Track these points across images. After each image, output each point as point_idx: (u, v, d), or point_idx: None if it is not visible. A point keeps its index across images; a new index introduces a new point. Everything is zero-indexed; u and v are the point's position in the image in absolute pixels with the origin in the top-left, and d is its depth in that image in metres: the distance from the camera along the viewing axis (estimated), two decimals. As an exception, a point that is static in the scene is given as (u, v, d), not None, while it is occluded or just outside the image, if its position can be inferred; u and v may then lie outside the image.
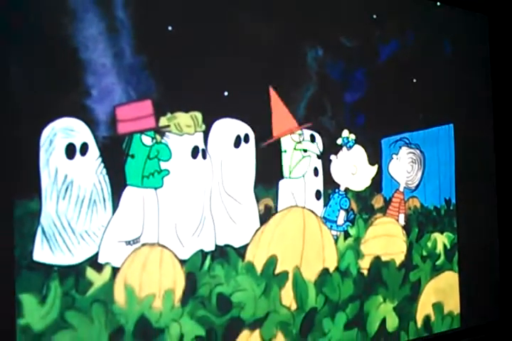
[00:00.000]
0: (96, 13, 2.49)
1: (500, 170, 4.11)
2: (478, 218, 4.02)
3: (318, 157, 3.20)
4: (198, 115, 2.76)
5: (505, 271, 4.11)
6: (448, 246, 3.83)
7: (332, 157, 3.26)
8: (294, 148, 3.10)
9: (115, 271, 2.51)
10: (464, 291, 3.90)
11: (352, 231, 3.33)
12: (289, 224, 3.09)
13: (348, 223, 3.30)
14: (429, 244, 3.72)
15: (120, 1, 2.56)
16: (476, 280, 3.98)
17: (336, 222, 3.25)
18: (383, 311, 3.47)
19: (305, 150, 3.11)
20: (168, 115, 2.67)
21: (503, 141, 4.11)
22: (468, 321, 3.92)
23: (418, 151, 3.67)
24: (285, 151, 3.06)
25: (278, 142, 3.05)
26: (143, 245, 2.59)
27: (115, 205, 2.52)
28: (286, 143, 3.08)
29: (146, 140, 2.61)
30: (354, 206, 3.34)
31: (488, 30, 4.13)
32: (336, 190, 3.27)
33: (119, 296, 2.51)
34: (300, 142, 3.12)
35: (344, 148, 3.30)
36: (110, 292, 2.49)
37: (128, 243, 2.56)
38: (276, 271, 3.01)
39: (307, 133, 3.16)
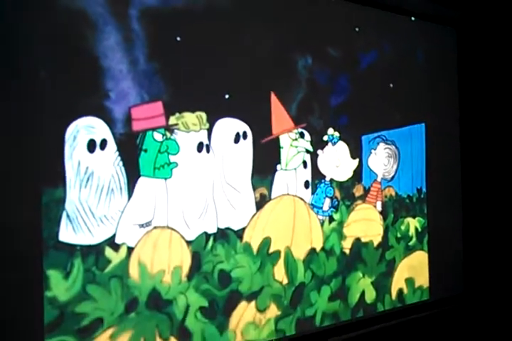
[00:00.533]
0: (114, 26, 2.48)
1: (465, 164, 4.11)
2: (445, 205, 4.02)
3: (307, 151, 3.20)
4: (203, 115, 2.75)
5: (468, 250, 4.11)
6: (419, 229, 3.83)
7: (319, 152, 3.25)
8: (291, 145, 3.09)
9: (130, 250, 2.51)
10: (433, 268, 3.91)
11: (336, 216, 3.32)
12: (282, 209, 3.09)
13: (332, 209, 3.30)
14: (403, 227, 3.72)
15: (135, 15, 2.54)
16: (443, 258, 3.98)
17: (322, 208, 3.25)
18: (362, 285, 3.47)
19: (296, 147, 3.10)
20: (177, 115, 2.66)
21: (468, 138, 4.11)
22: (436, 294, 3.92)
23: (394, 147, 3.66)
24: (282, 147, 3.05)
25: (277, 139, 3.04)
26: (154, 228, 2.59)
27: (130, 193, 2.52)
28: (284, 140, 3.08)
29: (158, 136, 2.60)
30: (338, 194, 3.34)
31: (456, 42, 4.12)
32: (322, 180, 3.26)
33: (134, 272, 2.51)
34: (296, 139, 3.11)
35: (329, 144, 3.29)
36: (126, 268, 2.49)
37: (141, 226, 2.56)
38: (270, 251, 3.01)
39: (300, 132, 3.16)
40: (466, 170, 4.10)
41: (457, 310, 4.02)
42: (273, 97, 3.02)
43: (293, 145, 3.09)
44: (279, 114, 3.03)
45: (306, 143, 3.15)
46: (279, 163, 3.05)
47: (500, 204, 4.03)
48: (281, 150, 3.06)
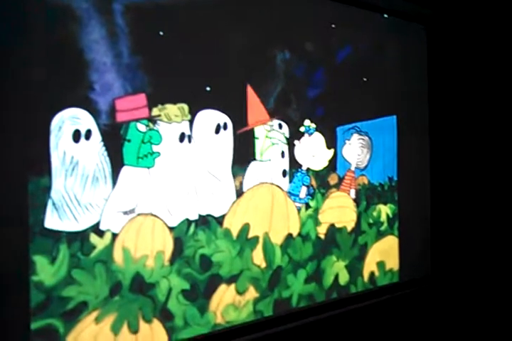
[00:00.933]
0: (99, 21, 2.41)
1: (433, 154, 4.09)
2: (415, 192, 4.01)
3: (288, 143, 3.15)
4: (185, 106, 2.69)
5: (436, 235, 4.11)
6: (390, 215, 3.81)
7: (296, 142, 3.20)
8: (266, 136, 3.04)
9: (114, 236, 2.45)
10: (403, 251, 3.90)
11: (312, 203, 3.29)
12: (260, 197, 3.05)
13: (308, 196, 3.26)
14: (375, 214, 3.70)
15: (119, 10, 2.48)
16: (412, 242, 3.98)
17: (298, 195, 3.21)
18: (336, 268, 3.44)
19: (271, 138, 3.05)
20: (159, 106, 2.60)
21: (436, 129, 4.10)
22: (405, 276, 3.92)
23: (367, 138, 3.63)
24: (257, 138, 3.00)
25: (252, 130, 2.99)
26: (138, 215, 2.53)
27: (114, 182, 2.46)
28: (259, 131, 3.02)
29: (141, 127, 2.54)
30: (314, 182, 3.30)
31: (425, 38, 4.08)
32: (299, 170, 3.22)
33: (118, 257, 2.46)
34: (271, 131, 3.06)
35: (306, 135, 3.25)
36: (110, 253, 2.43)
37: (125, 213, 2.50)
38: (249, 236, 2.97)
39: (276, 122, 3.11)
40: (435, 159, 4.09)
41: (425, 290, 4.02)
42: (249, 90, 2.95)
43: (268, 137, 3.03)
44: (254, 106, 2.97)
45: (280, 134, 3.09)
46: (254, 153, 2.99)
47: (465, 192, 4.03)
48: (257, 141, 3.00)
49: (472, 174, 4.02)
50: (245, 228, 2.95)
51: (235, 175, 2.91)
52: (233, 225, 2.90)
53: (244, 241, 2.94)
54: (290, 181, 3.18)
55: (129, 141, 2.49)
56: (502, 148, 3.90)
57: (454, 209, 4.07)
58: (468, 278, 4.01)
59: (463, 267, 4.04)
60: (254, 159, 2.99)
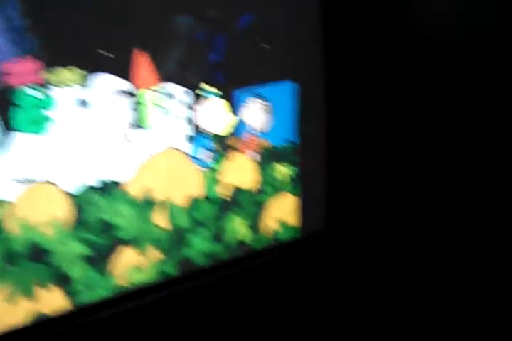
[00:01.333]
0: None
1: (331, 117, 4.03)
2: (313, 154, 3.94)
3: (188, 107, 2.97)
4: (79, 71, 2.45)
5: (332, 193, 4.09)
6: (291, 176, 3.73)
7: (198, 107, 3.03)
8: (154, 103, 2.81)
9: (9, 205, 2.22)
10: (303, 209, 3.85)
11: (214, 166, 3.15)
12: (164, 162, 2.88)
13: (211, 160, 3.11)
14: (276, 175, 3.60)
15: (3, -32, 2.19)
16: (312, 200, 3.94)
17: (201, 159, 3.06)
18: (239, 227, 3.35)
19: (159, 105, 2.81)
20: (52, 70, 2.35)
21: (332, 95, 4.02)
22: (304, 232, 3.88)
23: (267, 102, 3.49)
24: (141, 103, 2.74)
25: (140, 95, 2.75)
26: (34, 182, 2.31)
27: (5, 149, 2.21)
28: (147, 97, 2.77)
29: (32, 92, 2.28)
30: (216, 146, 3.15)
31: (321, 6, 3.96)
32: (202, 134, 3.06)
33: (13, 226, 2.24)
34: (159, 97, 2.82)
35: (207, 100, 3.08)
36: (4, 223, 2.21)
37: (20, 181, 2.27)
38: (152, 200, 2.80)
39: (175, 87, 2.91)
40: (332, 122, 4.03)
41: (322, 244, 4.01)
42: (138, 53, 2.70)
43: (156, 104, 2.80)
44: (143, 71, 2.73)
45: (171, 100, 2.86)
46: (141, 120, 2.76)
47: (363, 152, 4.01)
48: (143, 106, 2.76)
49: (370, 136, 3.98)
50: (148, 192, 2.77)
51: (137, 140, 2.71)
52: (136, 190, 2.73)
53: (147, 204, 2.78)
54: (192, 145, 3.02)
55: (19, 106, 2.24)
56: (398, 109, 3.87)
57: (352, 168, 4.05)
58: (365, 233, 4.03)
59: (360, 222, 4.06)
60: (140, 126, 2.76)
